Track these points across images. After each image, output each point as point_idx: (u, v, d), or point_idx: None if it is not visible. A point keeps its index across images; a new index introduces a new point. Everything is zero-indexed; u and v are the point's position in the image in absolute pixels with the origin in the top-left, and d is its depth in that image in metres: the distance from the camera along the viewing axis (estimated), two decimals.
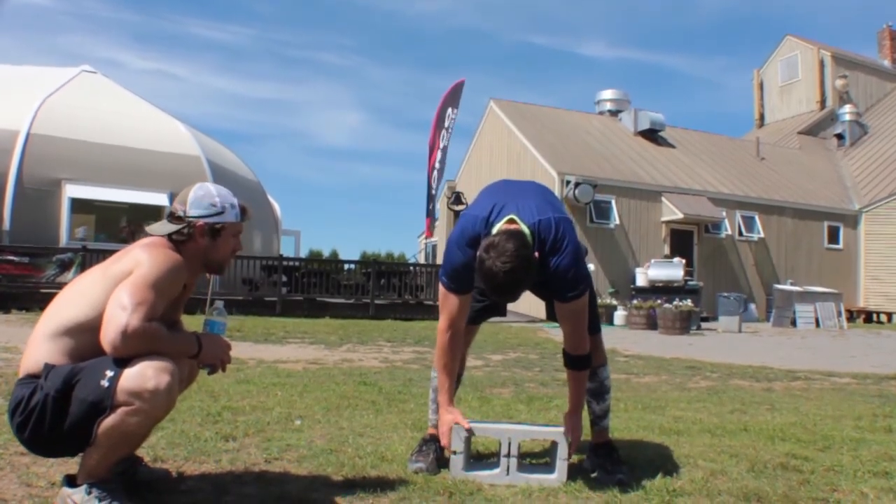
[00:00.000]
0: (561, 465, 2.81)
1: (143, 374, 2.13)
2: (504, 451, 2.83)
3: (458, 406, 3.20)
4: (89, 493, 2.20)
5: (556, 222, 2.75)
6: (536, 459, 3.22)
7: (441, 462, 2.95)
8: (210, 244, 2.50)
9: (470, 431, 2.87)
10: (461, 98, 20.29)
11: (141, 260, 2.29)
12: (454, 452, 2.85)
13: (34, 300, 12.89)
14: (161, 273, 2.27)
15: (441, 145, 19.55)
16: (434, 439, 3.05)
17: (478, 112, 26.06)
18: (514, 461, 2.83)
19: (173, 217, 2.47)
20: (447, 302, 2.89)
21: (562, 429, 2.90)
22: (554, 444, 2.90)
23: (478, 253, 2.60)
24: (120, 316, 2.14)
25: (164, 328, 2.24)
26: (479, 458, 3.12)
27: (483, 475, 2.83)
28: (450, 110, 19.58)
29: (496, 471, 2.83)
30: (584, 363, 2.92)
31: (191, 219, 2.46)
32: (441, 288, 2.91)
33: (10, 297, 12.95)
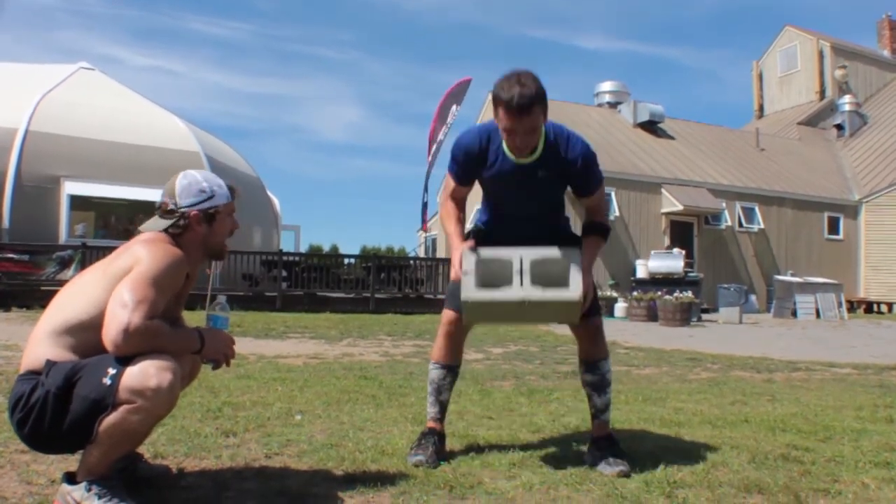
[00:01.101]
0: (575, 279, 2.77)
1: (146, 373, 2.12)
2: (516, 266, 2.80)
3: (459, 399, 3.20)
4: (89, 490, 2.19)
5: (563, 127, 2.94)
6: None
7: (441, 455, 2.95)
8: (208, 230, 2.50)
9: (475, 252, 2.85)
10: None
11: (140, 256, 2.28)
12: (465, 273, 2.80)
13: (34, 298, 12.87)
14: (161, 269, 2.26)
15: (438, 139, 19.51)
16: (433, 433, 3.04)
17: (476, 105, 25.99)
18: (527, 277, 2.78)
19: (164, 211, 2.47)
20: (449, 184, 3.10)
21: (574, 249, 2.89)
22: (565, 260, 2.83)
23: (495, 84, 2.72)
24: (121, 314, 2.14)
25: (166, 325, 2.23)
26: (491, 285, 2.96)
27: (496, 294, 2.79)
28: (454, 107, 19.51)
29: (509, 288, 2.79)
30: (602, 229, 3.05)
31: (183, 209, 2.45)
32: (446, 175, 3.05)
33: (10, 295, 12.94)
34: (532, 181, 2.91)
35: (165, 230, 2.44)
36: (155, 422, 2.26)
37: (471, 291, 2.78)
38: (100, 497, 2.18)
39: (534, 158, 2.86)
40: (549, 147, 2.86)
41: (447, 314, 3.08)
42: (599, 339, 3.10)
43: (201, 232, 2.48)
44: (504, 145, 2.87)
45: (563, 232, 3.14)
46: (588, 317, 3.00)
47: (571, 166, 2.89)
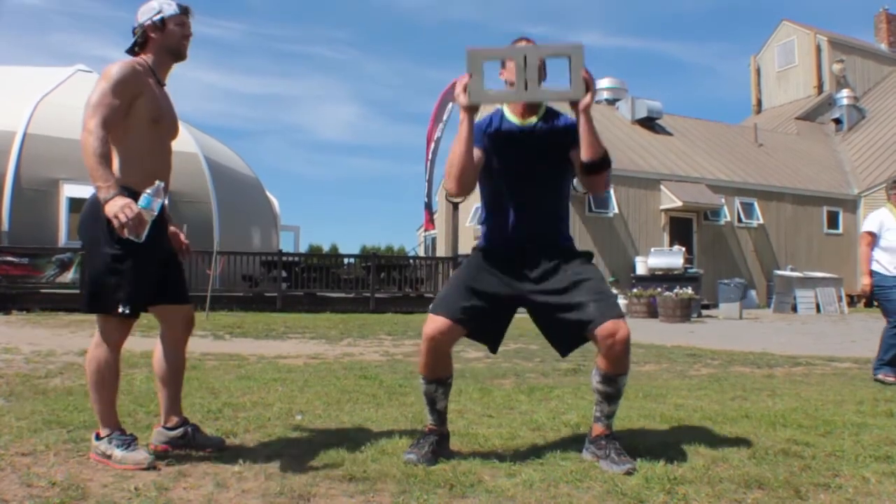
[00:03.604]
0: (576, 79, 2.80)
1: (95, 340, 2.89)
2: (520, 64, 2.82)
3: (459, 398, 3.20)
4: (110, 441, 2.82)
5: None
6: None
7: (437, 455, 2.94)
8: (162, 36, 3.01)
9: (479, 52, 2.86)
10: None
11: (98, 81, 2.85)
12: (470, 75, 2.83)
13: (34, 301, 12.88)
14: (111, 76, 2.82)
15: (435, 137, 19.51)
16: (433, 433, 3.04)
17: None
18: (532, 77, 2.81)
19: (133, 33, 3.03)
20: None
21: (576, 42, 2.87)
22: (568, 59, 2.83)
23: None
24: (85, 118, 2.76)
25: (103, 153, 2.71)
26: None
27: (501, 94, 2.97)
28: (451, 105, 19.50)
29: (513, 90, 2.89)
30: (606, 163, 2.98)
31: (140, 25, 3.00)
32: None
33: (9, 298, 12.93)
34: (533, 141, 3.05)
35: (132, 47, 3.02)
36: (93, 368, 2.86)
37: (478, 95, 2.85)
38: (118, 446, 2.79)
39: (535, 119, 3.09)
40: (549, 111, 3.11)
41: (431, 325, 2.97)
42: (625, 356, 2.92)
43: (157, 38, 3.01)
44: (506, 110, 3.12)
45: (565, 240, 3.12)
46: (614, 334, 2.85)
47: (570, 127, 3.02)
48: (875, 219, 6.11)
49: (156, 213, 2.74)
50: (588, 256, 3.13)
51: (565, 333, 3.02)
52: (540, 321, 3.09)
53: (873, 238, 6.01)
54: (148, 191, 2.72)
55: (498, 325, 3.12)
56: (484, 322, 3.03)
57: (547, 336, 3.12)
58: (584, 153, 2.91)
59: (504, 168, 3.05)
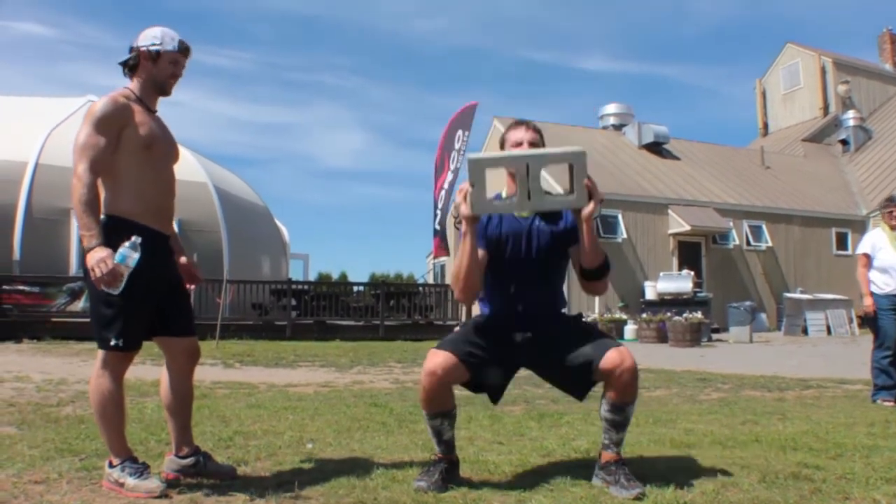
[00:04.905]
0: (579, 187, 2.75)
1: (95, 371, 2.89)
2: (522, 173, 2.75)
3: (469, 425, 3.21)
4: (123, 469, 2.83)
5: None
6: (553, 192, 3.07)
7: (448, 482, 2.94)
8: (154, 67, 3.04)
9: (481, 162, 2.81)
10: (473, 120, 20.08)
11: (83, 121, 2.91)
12: (472, 185, 2.77)
13: (45, 329, 12.93)
14: (95, 113, 2.88)
15: (451, 167, 19.51)
16: (442, 461, 3.04)
17: (481, 130, 26.04)
18: (535, 186, 2.74)
19: (130, 52, 3.07)
20: None
21: (578, 149, 2.81)
22: (571, 167, 2.78)
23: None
24: (75, 160, 2.86)
25: (91, 202, 2.80)
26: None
27: (504, 204, 2.93)
28: (460, 132, 19.53)
29: (516, 199, 2.80)
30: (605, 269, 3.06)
31: (136, 47, 3.04)
32: None
33: (21, 327, 13.01)
34: (532, 232, 3.10)
35: (126, 62, 3.05)
36: (96, 399, 2.88)
37: (481, 206, 2.81)
38: (131, 474, 2.81)
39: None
40: None
41: (433, 360, 2.98)
42: (633, 383, 2.94)
43: (149, 67, 3.03)
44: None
45: (562, 315, 3.21)
46: (620, 364, 2.89)
47: (570, 226, 3.09)
48: (868, 240, 6.25)
49: (132, 267, 2.75)
50: (579, 316, 3.29)
51: (574, 379, 3.08)
52: (546, 375, 3.22)
53: (868, 259, 6.11)
54: (126, 245, 2.75)
55: (500, 377, 3.19)
56: (487, 371, 3.08)
57: (559, 387, 3.23)
58: (585, 260, 3.01)
59: (505, 257, 3.11)
